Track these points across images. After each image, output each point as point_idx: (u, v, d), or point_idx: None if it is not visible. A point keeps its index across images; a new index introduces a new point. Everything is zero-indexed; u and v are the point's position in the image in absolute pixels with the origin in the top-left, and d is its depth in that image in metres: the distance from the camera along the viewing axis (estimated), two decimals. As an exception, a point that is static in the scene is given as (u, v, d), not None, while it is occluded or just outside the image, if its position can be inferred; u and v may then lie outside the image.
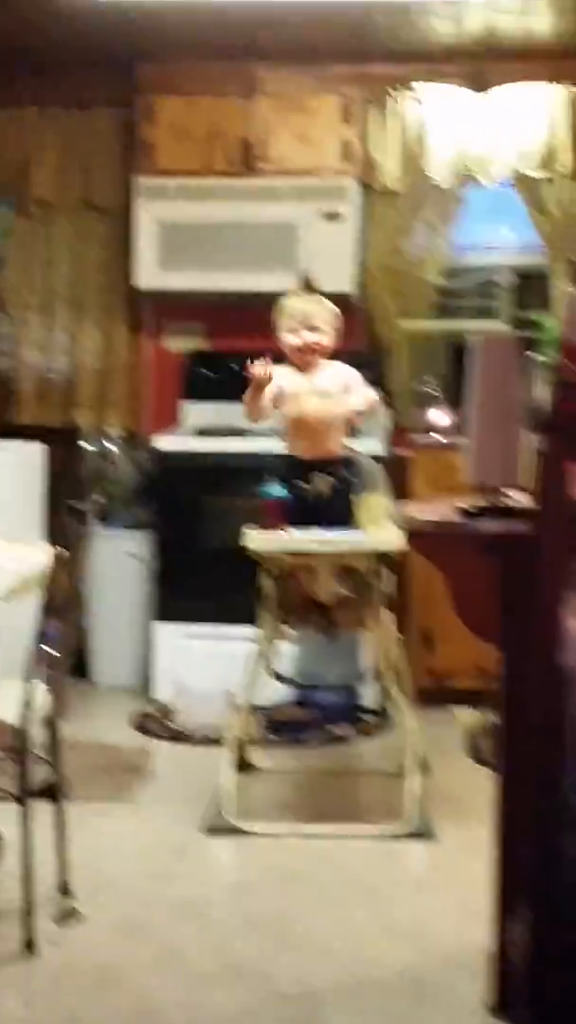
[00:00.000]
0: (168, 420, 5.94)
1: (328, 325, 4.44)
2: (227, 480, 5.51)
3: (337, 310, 4.49)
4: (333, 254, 5.62)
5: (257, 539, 4.26)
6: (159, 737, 5.18)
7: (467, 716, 5.37)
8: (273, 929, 3.51)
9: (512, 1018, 2.95)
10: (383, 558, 4.33)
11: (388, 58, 5.62)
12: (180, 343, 6.06)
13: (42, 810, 3.46)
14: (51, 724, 3.51)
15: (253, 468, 5.30)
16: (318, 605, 4.36)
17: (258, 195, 5.67)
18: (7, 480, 5.37)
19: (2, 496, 5.23)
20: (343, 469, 4.45)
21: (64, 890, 3.58)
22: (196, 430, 5.72)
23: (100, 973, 3.26)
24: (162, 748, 5.09)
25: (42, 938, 3.34)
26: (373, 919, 3.60)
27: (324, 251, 5.60)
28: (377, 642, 4.44)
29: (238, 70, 5.70)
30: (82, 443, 6.03)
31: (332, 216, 5.63)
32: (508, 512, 3.00)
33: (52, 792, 3.52)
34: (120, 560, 5.77)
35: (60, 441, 5.84)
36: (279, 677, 4.66)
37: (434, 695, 5.21)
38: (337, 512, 4.37)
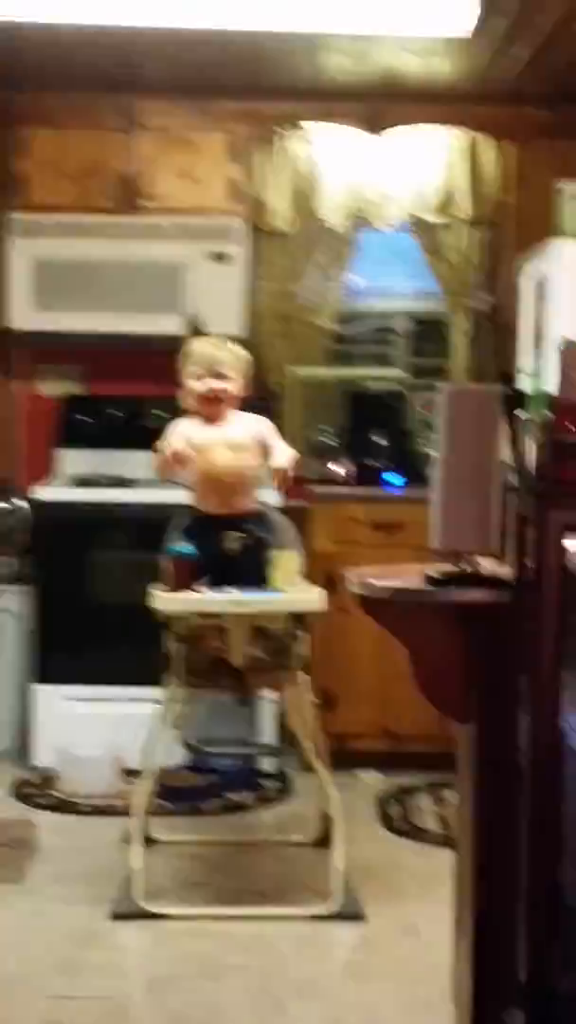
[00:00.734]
0: (43, 469, 5.62)
1: (237, 372, 4.20)
2: (112, 533, 5.22)
3: (247, 356, 4.25)
4: (220, 296, 5.39)
5: (167, 599, 3.97)
6: (42, 807, 4.84)
7: (373, 780, 5.15)
8: (207, 1031, 3.23)
9: None
10: (299, 618, 4.09)
11: (278, 95, 5.43)
12: (55, 387, 5.75)
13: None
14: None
15: (141, 520, 5.05)
16: (230, 668, 4.08)
17: (140, 234, 5.41)
18: None
19: None
20: (255, 525, 4.20)
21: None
22: (74, 479, 5.42)
23: None
24: (47, 819, 4.74)
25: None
26: (313, 1016, 3.33)
27: (211, 293, 5.38)
28: (292, 706, 4.18)
29: (118, 102, 5.45)
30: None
31: (219, 257, 5.40)
32: (481, 580, 2.79)
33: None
34: (-5, 618, 5.42)
35: None
36: (187, 744, 4.37)
37: (336, 758, 4.95)
38: (249, 570, 4.11)
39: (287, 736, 4.79)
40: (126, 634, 4.96)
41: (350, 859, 4.02)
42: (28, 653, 5.30)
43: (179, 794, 4.85)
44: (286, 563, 4.21)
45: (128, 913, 3.84)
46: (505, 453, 2.74)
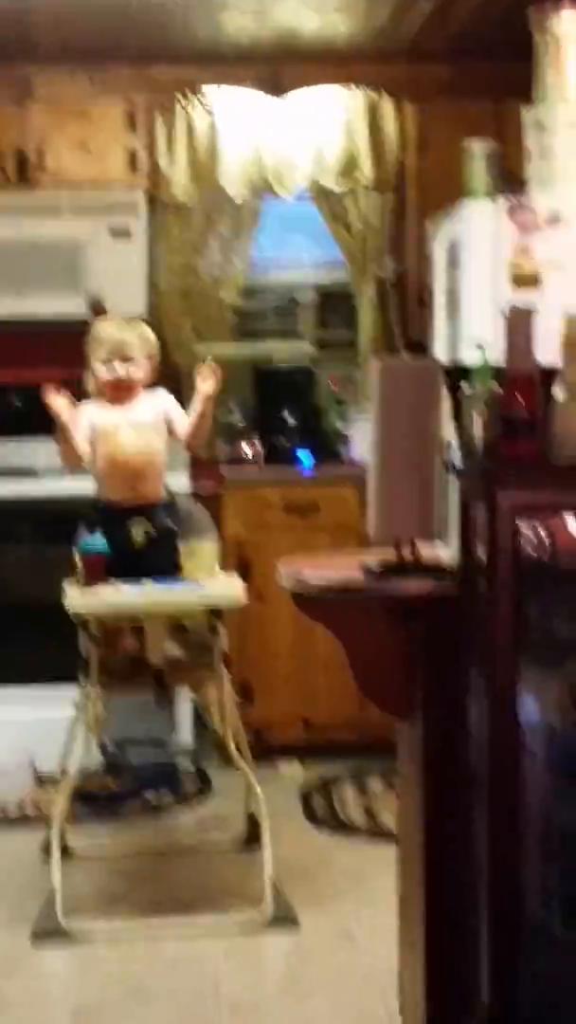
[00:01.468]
0: None
1: (145, 356, 3.96)
2: (17, 526, 4.95)
3: (155, 339, 4.01)
4: (122, 274, 5.14)
5: (79, 598, 3.73)
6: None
7: (294, 772, 4.96)
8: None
9: None
10: (219, 612, 3.86)
11: (177, 60, 5.17)
12: None
13: None
14: None
15: (47, 512, 4.80)
16: (148, 667, 3.85)
17: (36, 210, 5.13)
18: None
19: None
20: (164, 515, 3.97)
21: None
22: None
23: None
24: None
25: None
26: (253, 1039, 3.13)
27: (113, 270, 5.13)
28: (213, 705, 3.96)
29: (8, 72, 5.15)
30: None
31: (120, 233, 5.14)
32: (423, 569, 2.59)
33: None
34: None
35: None
36: (103, 747, 4.13)
37: (254, 750, 4.74)
38: (161, 563, 3.89)
39: (206, 732, 4.58)
40: (37, 631, 4.71)
41: (277, 859, 3.83)
42: None
43: (96, 798, 4.61)
44: (202, 553, 3.99)
45: (49, 934, 3.60)
46: (446, 431, 2.55)
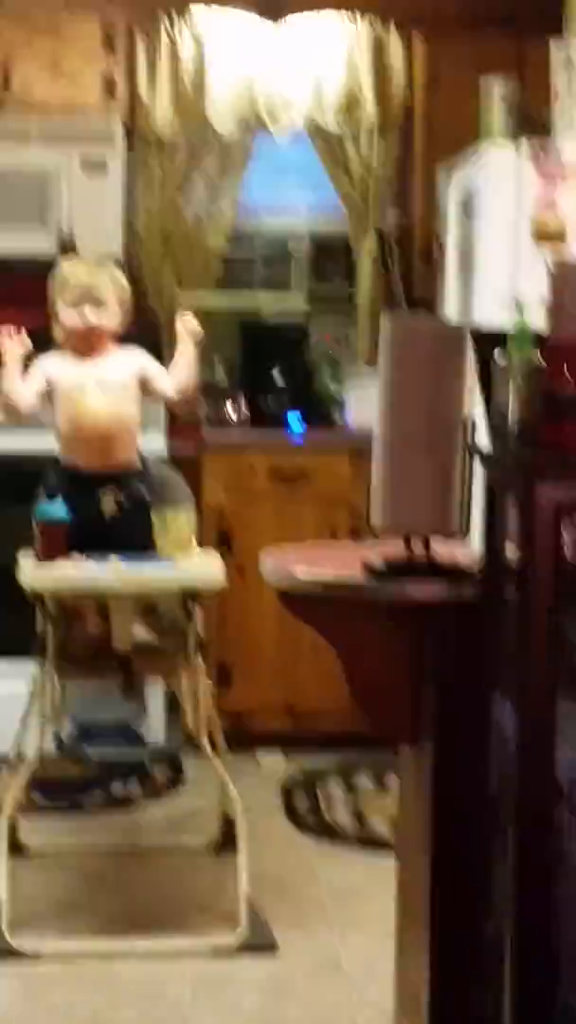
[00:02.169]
0: None
1: (116, 302, 3.53)
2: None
3: (127, 284, 3.58)
4: (96, 211, 4.68)
5: (35, 573, 3.31)
6: None
7: (275, 764, 4.56)
8: None
9: None
10: (194, 594, 3.45)
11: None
12: None
13: None
14: None
15: (5, 470, 4.37)
16: (113, 653, 3.44)
17: (2, 136, 4.64)
18: None
19: None
20: (136, 482, 3.54)
21: None
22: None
23: None
24: None
25: None
26: None
27: (85, 207, 4.66)
28: (186, 695, 3.55)
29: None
30: None
31: (93, 166, 4.68)
32: (436, 571, 2.17)
33: None
34: None
35: None
36: (58, 739, 3.72)
37: (232, 738, 4.34)
38: (132, 537, 3.48)
39: (179, 717, 4.16)
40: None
41: (254, 869, 3.44)
42: None
43: (55, 787, 4.20)
44: (177, 526, 3.58)
45: (-7, 952, 3.20)
46: (471, 408, 2.12)
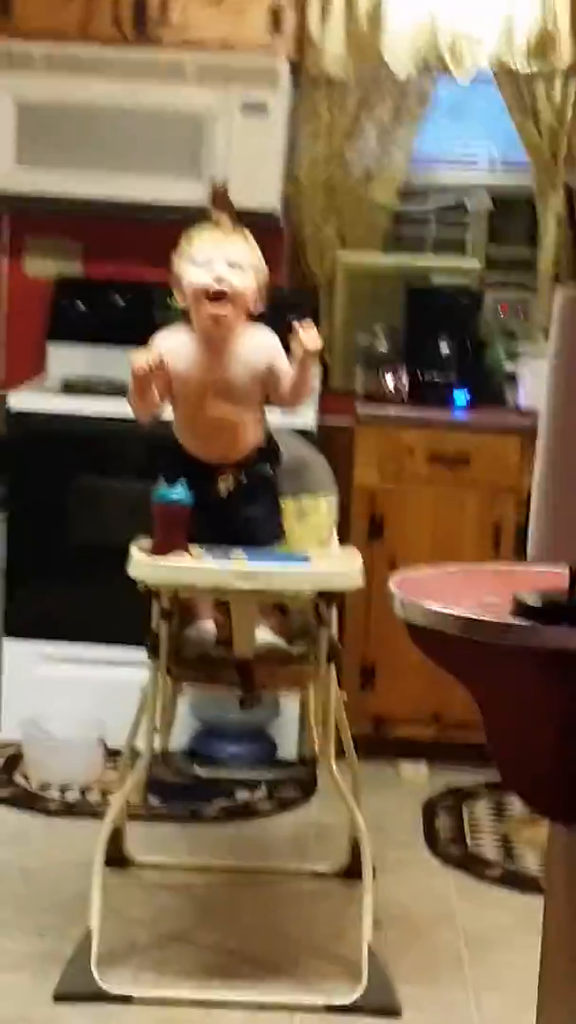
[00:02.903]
0: (28, 368, 4.53)
1: (250, 265, 3.04)
2: (106, 455, 4.15)
3: (258, 252, 3.09)
4: (253, 159, 4.22)
5: (147, 566, 2.90)
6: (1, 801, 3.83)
7: (418, 776, 4.12)
8: None
9: None
10: (330, 595, 3.01)
11: None
12: (45, 267, 4.62)
13: None
14: None
15: (142, 440, 3.97)
16: (234, 659, 3.03)
17: (154, 72, 4.21)
18: None
19: None
20: (260, 463, 3.10)
21: None
22: (64, 383, 4.32)
23: None
24: (4, 819, 3.73)
25: None
26: None
27: (241, 154, 4.21)
28: (316, 708, 3.12)
29: None
30: None
31: (254, 108, 4.22)
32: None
33: None
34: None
35: None
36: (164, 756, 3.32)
37: (372, 744, 3.92)
38: (254, 523, 3.06)
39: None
40: (115, 581, 3.87)
41: (382, 904, 3.02)
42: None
43: (172, 791, 3.83)
44: (315, 514, 3.16)
45: (77, 994, 2.83)
46: None
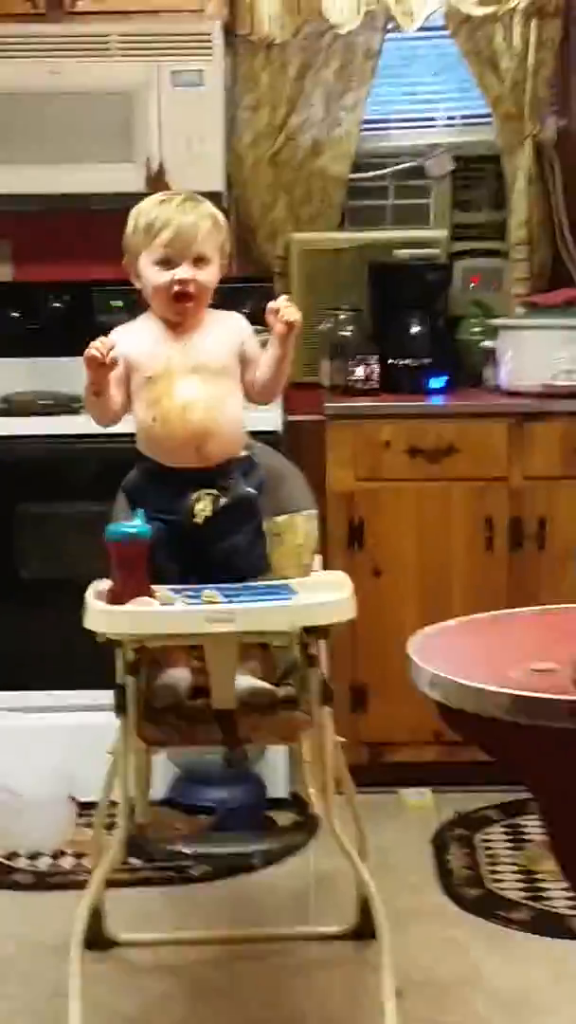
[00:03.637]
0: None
1: (217, 251, 2.70)
2: (55, 480, 3.73)
3: (226, 223, 2.75)
4: (190, 136, 3.84)
5: (105, 616, 2.50)
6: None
7: (423, 803, 3.74)
8: None
9: None
10: (319, 629, 2.61)
11: None
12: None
13: None
14: None
15: (96, 460, 3.60)
16: (214, 710, 2.63)
17: (74, 48, 3.82)
18: None
19: None
20: (238, 479, 2.72)
21: None
22: (2, 402, 3.91)
23: None
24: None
25: None
26: None
27: (177, 131, 3.83)
28: (309, 757, 2.73)
29: None
30: None
31: (187, 80, 3.83)
32: None
33: None
34: None
35: None
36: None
37: (370, 772, 3.52)
38: (235, 547, 2.68)
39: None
40: (72, 618, 3.45)
41: (401, 967, 2.67)
42: None
43: (154, 846, 3.42)
44: (293, 534, 2.76)
45: None
46: None
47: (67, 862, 3.43)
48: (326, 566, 2.92)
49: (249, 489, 2.71)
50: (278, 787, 3.70)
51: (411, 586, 3.74)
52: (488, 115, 4.09)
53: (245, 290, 3.72)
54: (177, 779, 3.62)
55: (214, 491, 2.67)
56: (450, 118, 4.24)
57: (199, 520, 2.65)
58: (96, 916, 2.86)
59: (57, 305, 4.12)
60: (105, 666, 2.65)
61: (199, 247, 2.64)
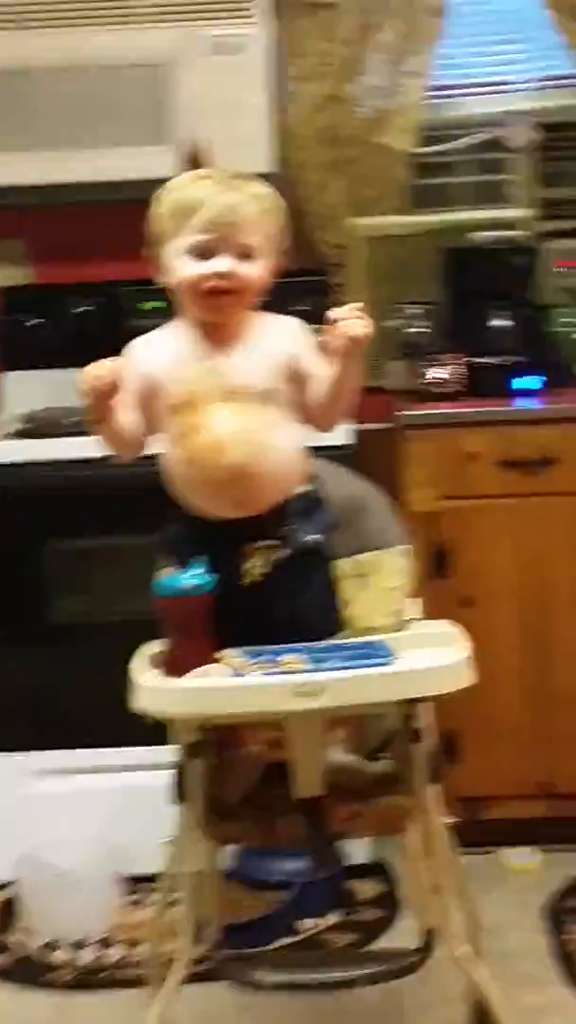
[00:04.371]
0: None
1: (265, 237, 2.18)
2: (87, 508, 3.23)
3: (279, 205, 2.23)
4: (232, 112, 3.37)
5: (160, 694, 2.01)
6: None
7: (529, 867, 3.25)
8: None
9: None
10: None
11: None
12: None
13: None
14: None
15: (136, 486, 3.05)
16: (296, 799, 2.13)
17: (98, 16, 3.38)
18: None
19: None
20: (301, 523, 2.20)
21: None
22: (25, 422, 3.44)
23: None
24: None
25: None
26: None
27: (216, 107, 3.37)
28: (414, 849, 2.23)
29: None
30: None
31: (226, 47, 3.37)
32: None
33: None
34: None
35: None
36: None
37: (467, 831, 3.00)
38: (299, 613, 2.16)
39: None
40: (113, 666, 2.96)
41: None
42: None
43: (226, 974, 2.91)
44: (379, 575, 2.28)
45: None
46: None
47: (114, 953, 2.94)
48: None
49: (312, 536, 2.19)
50: (358, 852, 3.21)
51: (507, 618, 3.25)
52: (574, 76, 3.62)
53: (295, 285, 3.22)
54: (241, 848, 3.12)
55: (269, 543, 2.16)
56: (530, 81, 3.77)
57: (254, 580, 2.15)
58: None
59: (82, 310, 3.65)
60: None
61: (244, 235, 2.14)
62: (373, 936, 2.97)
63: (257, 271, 2.15)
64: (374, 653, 2.07)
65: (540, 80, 3.75)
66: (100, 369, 2.08)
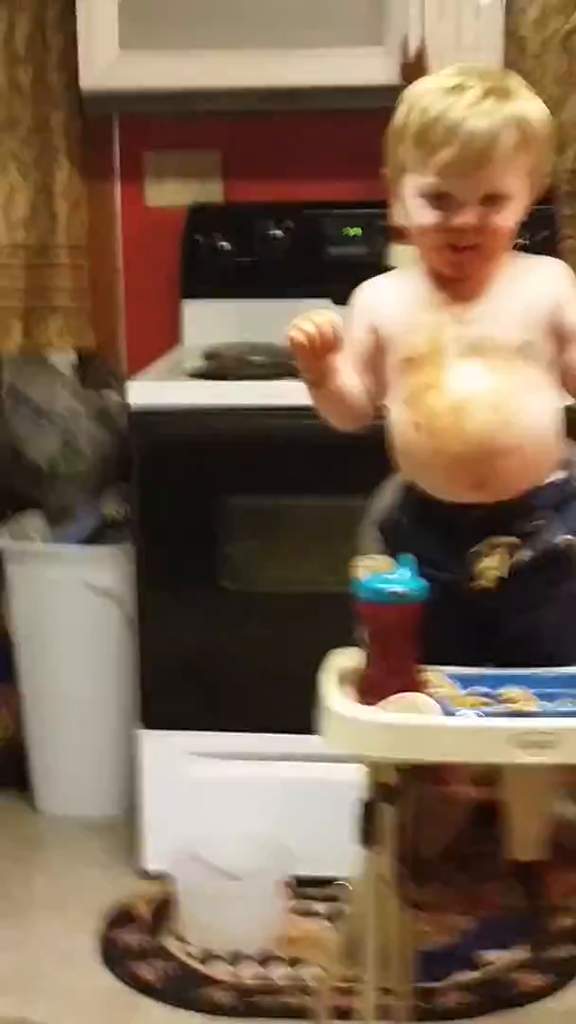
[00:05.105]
0: (156, 339, 3.24)
1: (524, 178, 1.80)
2: (271, 461, 2.83)
3: (545, 127, 1.83)
4: (459, 10, 2.93)
5: (352, 731, 1.62)
6: (142, 987, 2.58)
7: None
8: None
9: None
10: None
11: None
12: (174, 193, 3.32)
13: None
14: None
15: (327, 439, 2.67)
16: (511, 860, 1.73)
17: None
18: None
19: None
20: (549, 519, 1.80)
21: None
22: (205, 357, 3.04)
23: None
24: (151, 1014, 2.51)
25: None
26: None
27: (443, 5, 2.91)
28: None
29: None
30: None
31: None
32: None
33: None
34: (74, 600, 3.13)
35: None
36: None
37: None
38: (541, 629, 1.78)
39: None
40: (290, 640, 2.71)
41: None
42: (127, 679, 3.03)
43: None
44: None
45: None
46: None
47: (278, 972, 2.59)
48: None
49: (564, 537, 1.81)
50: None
51: None
52: None
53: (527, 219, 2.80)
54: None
55: (510, 539, 1.76)
56: None
57: (487, 584, 1.75)
58: None
59: (277, 233, 3.22)
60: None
61: (497, 177, 1.74)
62: (567, 978, 2.55)
63: (510, 218, 1.77)
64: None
65: None
66: (317, 319, 1.69)
